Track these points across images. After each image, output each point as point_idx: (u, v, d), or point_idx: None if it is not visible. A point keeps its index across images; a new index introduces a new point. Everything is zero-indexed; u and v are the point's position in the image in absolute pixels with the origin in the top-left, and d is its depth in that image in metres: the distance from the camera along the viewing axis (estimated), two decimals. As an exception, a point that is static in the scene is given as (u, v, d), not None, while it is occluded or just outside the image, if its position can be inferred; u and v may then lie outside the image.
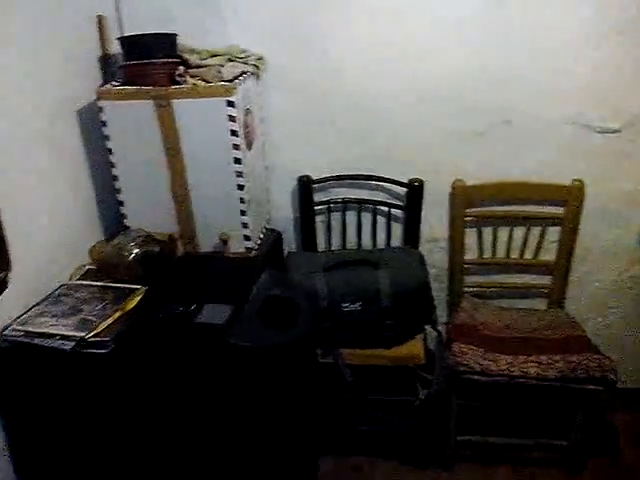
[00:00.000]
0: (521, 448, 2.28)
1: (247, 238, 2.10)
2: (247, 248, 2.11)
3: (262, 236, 2.27)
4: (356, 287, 2.08)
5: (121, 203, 2.10)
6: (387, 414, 2.23)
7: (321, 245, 2.45)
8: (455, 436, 2.21)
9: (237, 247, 2.10)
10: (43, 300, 1.80)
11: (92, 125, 2.05)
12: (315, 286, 2.07)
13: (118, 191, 2.08)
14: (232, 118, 1.92)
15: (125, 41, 2.06)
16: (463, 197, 2.31)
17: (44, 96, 1.88)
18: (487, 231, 2.38)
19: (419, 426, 2.22)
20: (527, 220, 2.33)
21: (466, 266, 2.42)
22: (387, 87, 2.23)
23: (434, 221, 2.39)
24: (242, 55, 2.11)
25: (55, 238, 1.93)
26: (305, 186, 2.34)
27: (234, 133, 1.95)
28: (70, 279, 1.93)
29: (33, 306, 1.76)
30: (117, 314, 1.72)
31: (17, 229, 1.72)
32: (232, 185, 2.02)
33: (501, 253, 2.40)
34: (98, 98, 1.95)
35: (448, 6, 2.10)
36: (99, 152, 2.07)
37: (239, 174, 2.00)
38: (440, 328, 2.29)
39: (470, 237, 2.39)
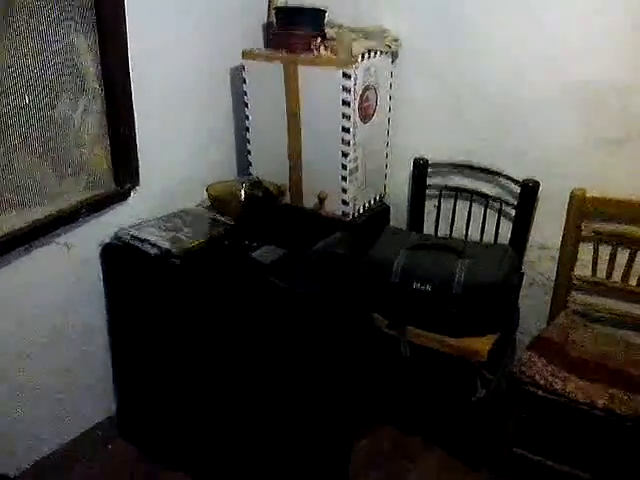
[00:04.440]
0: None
1: (345, 203, 2.25)
2: (343, 212, 2.26)
3: (367, 206, 2.39)
4: (430, 269, 2.09)
5: (249, 152, 2.41)
6: (441, 402, 2.21)
7: (428, 229, 2.48)
8: (511, 446, 2.11)
9: (334, 209, 2.26)
10: (162, 217, 2.18)
11: (238, 80, 2.37)
12: (392, 260, 2.13)
13: (248, 141, 2.39)
14: (345, 89, 2.08)
15: (279, 11, 2.33)
16: (581, 208, 2.13)
17: (207, 49, 2.27)
18: (605, 250, 2.17)
19: (472, 424, 2.16)
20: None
21: (574, 282, 2.24)
22: (531, 84, 2.15)
23: (548, 227, 2.25)
24: (379, 34, 2.22)
25: (189, 170, 2.31)
26: (420, 168, 2.39)
27: (345, 103, 2.10)
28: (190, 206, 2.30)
29: (153, 219, 2.15)
30: (203, 239, 2.02)
31: (157, 157, 2.14)
32: (337, 151, 2.18)
33: (617, 276, 2.17)
34: (242, 56, 2.26)
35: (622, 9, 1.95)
36: (240, 105, 2.40)
37: (345, 142, 2.16)
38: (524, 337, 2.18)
39: (585, 252, 2.21)
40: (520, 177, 2.22)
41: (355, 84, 2.09)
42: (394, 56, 2.32)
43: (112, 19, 1.80)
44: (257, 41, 2.46)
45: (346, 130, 2.14)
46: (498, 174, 2.27)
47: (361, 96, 2.15)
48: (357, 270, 1.90)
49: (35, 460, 2.05)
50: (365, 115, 2.22)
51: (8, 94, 1.66)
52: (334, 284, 1.83)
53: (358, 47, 2.14)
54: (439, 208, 2.43)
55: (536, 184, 2.19)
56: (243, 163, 2.49)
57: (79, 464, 2.14)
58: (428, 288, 2.09)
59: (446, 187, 2.39)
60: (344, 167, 2.20)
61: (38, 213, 1.76)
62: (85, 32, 1.78)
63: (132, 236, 2.02)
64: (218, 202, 2.26)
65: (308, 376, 1.82)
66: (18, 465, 1.96)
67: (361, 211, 2.35)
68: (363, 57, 2.12)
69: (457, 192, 2.37)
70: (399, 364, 2.20)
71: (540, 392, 1.94)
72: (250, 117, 2.35)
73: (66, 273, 1.98)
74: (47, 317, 1.97)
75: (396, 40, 2.28)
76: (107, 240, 2.04)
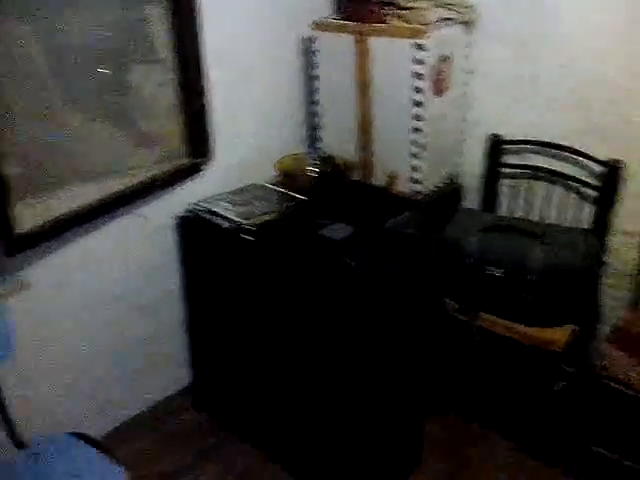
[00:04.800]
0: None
1: (416, 181, 2.19)
2: (414, 191, 2.20)
3: (440, 185, 2.32)
4: (504, 253, 2.01)
5: (318, 126, 2.38)
6: (513, 393, 2.14)
7: (502, 210, 2.39)
8: (589, 443, 2.02)
9: (404, 187, 2.21)
10: (233, 191, 2.19)
11: (308, 52, 2.34)
12: (465, 242, 2.07)
13: (317, 114, 2.36)
14: (418, 61, 2.00)
15: (353, -20, 2.26)
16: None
17: (277, 19, 2.25)
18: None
19: (548, 417, 2.08)
20: None
21: (660, 271, 2.11)
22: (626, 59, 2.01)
23: (632, 212, 2.12)
24: (452, 2, 2.13)
25: (259, 144, 2.32)
26: (495, 145, 2.29)
27: (418, 76, 2.02)
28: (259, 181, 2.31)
29: (224, 193, 2.17)
30: (274, 214, 2.02)
31: (227, 130, 2.15)
32: (409, 127, 2.11)
33: None
34: (313, 28, 2.22)
35: None
36: (310, 77, 2.36)
37: (417, 117, 2.09)
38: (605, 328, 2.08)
39: (673, 240, 2.07)
40: (604, 157, 2.10)
41: (428, 56, 2.01)
42: (470, 26, 2.21)
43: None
44: (327, 10, 2.40)
45: (418, 104, 2.07)
46: (580, 153, 2.15)
47: (435, 68, 2.07)
48: (428, 251, 1.85)
49: (114, 426, 2.16)
50: (438, 89, 2.13)
51: (86, 64, 1.69)
52: (404, 264, 1.79)
53: (432, 16, 2.06)
54: (515, 188, 2.33)
55: (621, 165, 2.06)
56: (313, 137, 2.46)
57: (153, 432, 2.21)
58: (501, 273, 2.01)
59: (523, 166, 2.29)
60: (416, 143, 2.13)
61: (118, 184, 1.81)
62: (158, 3, 1.79)
63: (205, 209, 2.05)
64: (287, 177, 2.25)
65: (377, 356, 1.80)
66: (98, 428, 2.04)
67: (433, 190, 2.28)
68: (437, 27, 2.04)
69: (535, 172, 2.27)
70: (469, 350, 2.14)
71: (618, 386, 1.85)
72: (320, 90, 2.31)
73: (144, 243, 2.04)
74: (125, 284, 2.04)
75: (469, 7, 2.18)
76: (181, 212, 2.07)
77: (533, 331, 2.03)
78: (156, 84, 1.85)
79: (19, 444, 1.63)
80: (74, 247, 1.85)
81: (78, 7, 1.63)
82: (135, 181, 1.86)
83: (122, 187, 1.82)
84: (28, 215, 1.62)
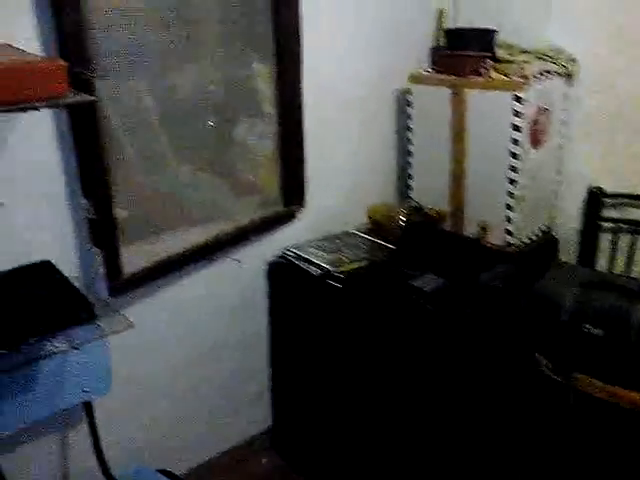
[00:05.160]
0: None
1: (509, 233, 2.14)
2: (507, 242, 2.16)
3: (534, 237, 2.26)
4: (604, 311, 1.91)
5: (410, 176, 2.39)
6: (614, 463, 2.00)
7: (600, 266, 2.28)
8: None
9: (497, 238, 2.17)
10: (323, 237, 2.23)
11: (402, 103, 2.38)
12: (561, 297, 1.99)
13: (410, 165, 2.37)
14: (517, 113, 1.99)
15: (448, 33, 2.30)
16: None
17: (372, 72, 2.30)
18: None
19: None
20: None
21: None
22: None
23: None
24: (553, 54, 2.11)
25: (350, 191, 2.35)
26: (593, 198, 2.21)
27: (516, 128, 2.01)
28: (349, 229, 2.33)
29: (314, 239, 2.21)
30: (363, 262, 2.03)
31: (320, 179, 2.20)
32: (504, 178, 2.08)
33: None
34: (408, 80, 2.25)
35: None
36: (403, 128, 2.39)
37: (513, 169, 2.06)
38: None
39: None
40: None
41: (527, 108, 1.99)
42: (570, 78, 2.18)
43: (290, 50, 1.90)
44: (422, 62, 2.44)
45: (515, 156, 2.05)
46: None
47: (533, 120, 2.04)
48: (522, 306, 1.80)
49: (194, 465, 2.18)
50: (536, 140, 2.10)
51: (196, 117, 1.80)
52: (497, 319, 1.74)
53: (531, 69, 2.04)
54: (615, 243, 2.23)
55: None
56: (404, 187, 2.47)
57: (232, 473, 2.23)
58: (601, 331, 1.92)
59: (624, 220, 2.19)
60: (511, 195, 2.09)
61: (218, 230, 1.89)
62: (265, 61, 1.89)
63: (296, 255, 2.09)
64: (378, 225, 2.27)
65: (463, 412, 1.75)
66: (179, 466, 2.06)
67: (527, 242, 2.22)
68: (536, 79, 2.02)
69: (637, 227, 2.16)
70: (563, 414, 2.03)
71: None
72: (413, 140, 2.33)
73: (235, 286, 2.09)
74: (215, 326, 2.09)
75: (573, 61, 2.15)
76: (272, 258, 2.13)
77: (636, 395, 1.91)
78: (258, 136, 1.94)
79: (109, 477, 1.69)
80: (171, 288, 1.92)
81: (191, 64, 1.75)
82: (234, 227, 1.93)
83: (221, 233, 1.89)
84: (134, 257, 1.71)
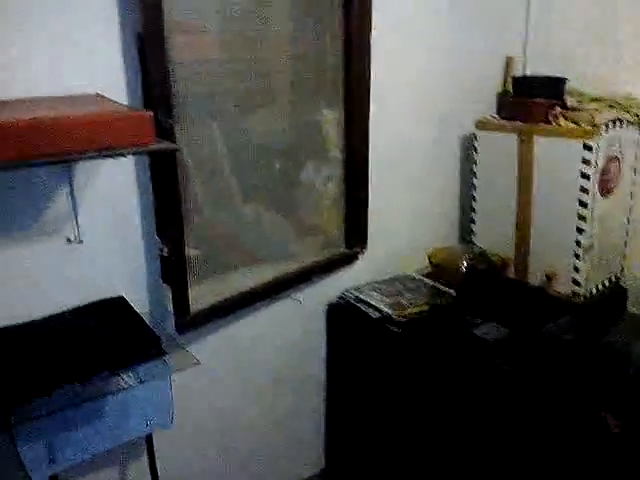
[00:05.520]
0: None
1: (576, 282, 2.09)
2: (573, 292, 2.10)
3: (602, 287, 2.19)
4: (678, 368, 1.83)
5: (472, 220, 2.37)
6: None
7: (674, 318, 2.19)
8: None
9: (563, 288, 2.11)
10: (383, 280, 2.23)
11: (467, 149, 2.38)
12: (631, 350, 1.91)
13: (473, 210, 2.36)
14: (586, 161, 1.96)
15: (516, 80, 2.30)
16: None
17: (438, 117, 2.32)
18: None
19: None
20: None
21: None
22: None
23: None
24: (624, 102, 2.07)
25: (412, 234, 2.36)
26: (667, 249, 2.14)
27: (585, 176, 1.97)
28: (410, 272, 2.33)
29: (375, 282, 2.21)
30: (424, 307, 2.02)
31: (382, 221, 2.21)
32: (572, 226, 2.04)
33: None
34: (475, 126, 2.26)
35: None
36: (467, 173, 2.39)
37: (582, 218, 2.02)
38: None
39: None
40: None
41: (597, 156, 1.96)
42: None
43: (359, 97, 1.94)
44: (489, 108, 2.45)
45: (583, 204, 2.01)
46: None
47: (603, 169, 2.01)
48: (588, 359, 1.74)
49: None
50: (605, 188, 2.06)
51: (265, 159, 1.85)
52: (562, 372, 1.69)
53: (602, 117, 2.01)
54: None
55: None
56: (466, 231, 2.46)
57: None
58: (674, 389, 1.83)
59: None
60: (578, 244, 2.05)
61: (281, 269, 1.92)
62: (334, 107, 1.94)
63: (355, 297, 2.10)
64: (439, 269, 2.25)
65: (526, 468, 1.69)
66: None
67: (594, 292, 2.16)
68: (607, 128, 1.99)
69: None
70: (634, 475, 1.93)
71: None
72: (478, 185, 2.32)
73: (294, 326, 2.11)
74: (274, 363, 2.11)
75: (645, 109, 2.11)
76: (332, 299, 2.14)
77: None
78: (323, 179, 1.98)
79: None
80: (234, 325, 1.95)
81: (263, 109, 1.81)
82: (297, 267, 1.96)
83: (285, 273, 1.92)
84: (202, 295, 1.76)
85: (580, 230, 2.03)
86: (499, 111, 2.43)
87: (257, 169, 1.84)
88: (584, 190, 1.99)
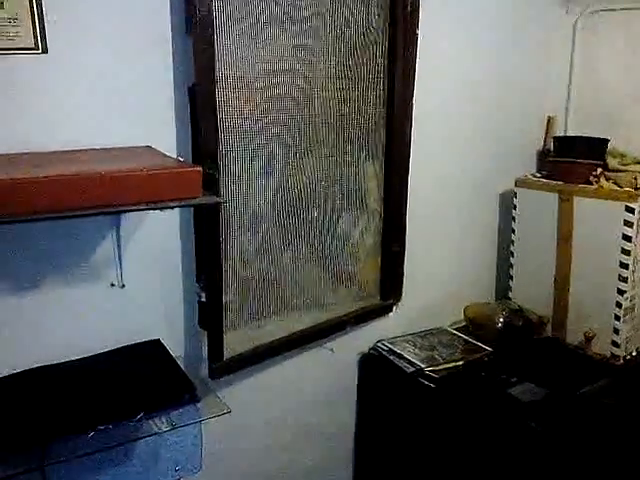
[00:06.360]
0: None
1: (616, 344, 2.04)
2: (613, 354, 2.05)
3: (643, 350, 2.14)
4: None
5: (510, 276, 2.35)
6: None
7: None
8: None
9: (602, 349, 2.07)
10: (417, 333, 2.22)
11: (506, 206, 2.38)
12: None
13: (511, 265, 2.34)
14: (628, 223, 1.94)
15: (558, 140, 2.31)
16: None
17: (478, 173, 2.33)
18: None
19: None
20: None
21: None
22: None
23: None
24: (667, 164, 2.06)
25: (447, 288, 2.35)
26: None
27: (627, 238, 1.96)
28: (444, 326, 2.31)
29: (409, 334, 2.21)
30: (459, 363, 1.99)
31: (418, 274, 2.22)
32: (613, 288, 2.02)
33: None
34: (515, 184, 2.27)
35: None
36: (505, 229, 2.39)
37: (622, 279, 1.99)
38: None
39: None
40: None
41: (637, 218, 1.95)
42: (686, 188, 2.11)
43: (399, 154, 1.98)
44: (529, 166, 2.46)
45: (624, 266, 1.98)
46: None
47: (646, 232, 1.99)
48: (628, 424, 1.68)
49: None
50: (648, 252, 2.03)
51: (304, 209, 1.88)
52: (601, 437, 1.64)
53: (645, 180, 2.01)
54: None
55: None
56: (503, 287, 2.44)
57: None
58: None
59: None
60: (619, 305, 2.01)
61: (315, 318, 1.94)
62: (374, 161, 1.97)
63: (388, 349, 2.09)
64: (474, 325, 2.23)
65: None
66: None
67: (634, 354, 2.10)
68: (649, 190, 1.98)
69: None
70: None
71: None
72: (516, 242, 2.31)
73: (326, 376, 2.11)
74: (305, 412, 2.10)
75: (689, 172, 2.09)
76: (365, 350, 2.14)
77: None
78: (361, 230, 2.00)
79: None
80: (266, 371, 1.96)
81: (305, 161, 1.85)
82: (331, 317, 1.96)
83: (319, 322, 1.93)
84: (236, 341, 1.77)
85: (621, 291, 2.01)
86: (539, 170, 2.45)
87: (296, 217, 1.87)
88: (625, 252, 1.97)
